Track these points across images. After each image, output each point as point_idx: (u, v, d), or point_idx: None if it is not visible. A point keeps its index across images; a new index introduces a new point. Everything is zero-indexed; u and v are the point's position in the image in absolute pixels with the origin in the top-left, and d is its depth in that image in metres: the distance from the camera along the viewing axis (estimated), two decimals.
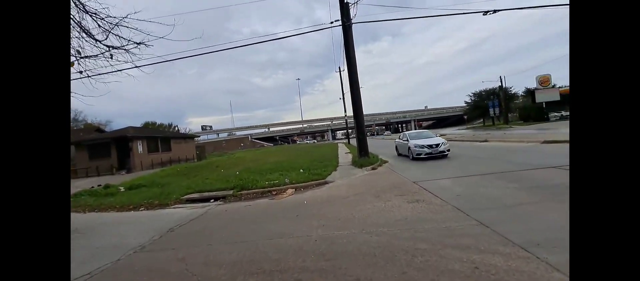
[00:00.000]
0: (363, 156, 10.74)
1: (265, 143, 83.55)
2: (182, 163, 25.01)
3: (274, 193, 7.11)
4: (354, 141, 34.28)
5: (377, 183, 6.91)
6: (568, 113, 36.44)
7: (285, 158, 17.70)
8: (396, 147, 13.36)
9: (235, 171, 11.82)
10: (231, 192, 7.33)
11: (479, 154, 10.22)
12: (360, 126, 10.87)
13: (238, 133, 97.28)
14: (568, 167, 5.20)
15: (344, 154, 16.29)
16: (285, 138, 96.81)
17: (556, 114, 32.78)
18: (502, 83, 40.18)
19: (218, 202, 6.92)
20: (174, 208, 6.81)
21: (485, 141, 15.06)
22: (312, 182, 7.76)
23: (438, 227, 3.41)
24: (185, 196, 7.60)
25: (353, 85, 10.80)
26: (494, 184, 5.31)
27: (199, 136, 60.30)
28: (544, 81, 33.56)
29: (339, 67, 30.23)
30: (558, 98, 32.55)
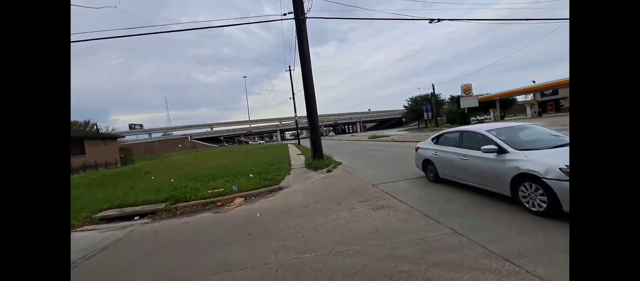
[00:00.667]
0: (317, 158, 10.30)
1: (208, 144, 77.13)
2: (101, 169, 20.90)
3: (218, 204, 6.07)
4: (305, 142, 34.00)
5: (336, 187, 6.51)
6: (482, 118, 43.11)
7: (232, 160, 16.17)
8: (425, 162, 6.13)
9: (170, 178, 10.09)
10: (163, 206, 6.00)
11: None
12: (314, 127, 10.42)
13: (176, 133, 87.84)
14: None
15: (296, 156, 15.67)
16: (231, 139, 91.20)
17: (474, 118, 38.41)
18: (433, 91, 45.25)
19: (145, 220, 5.55)
20: (81, 230, 5.20)
21: None
22: (264, 188, 6.94)
23: (414, 240, 3.09)
24: (100, 214, 5.95)
25: (307, 83, 10.28)
26: (450, 186, 5.41)
27: (124, 137, 51.90)
28: (467, 90, 38.92)
29: (289, 67, 29.50)
30: (477, 105, 38.16)
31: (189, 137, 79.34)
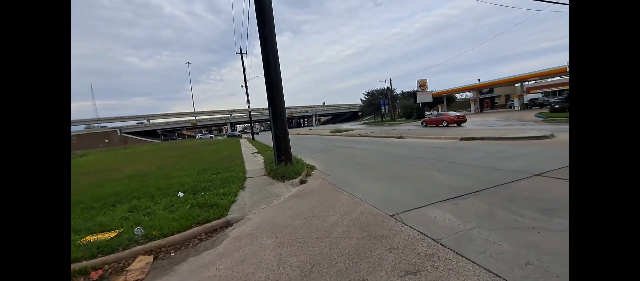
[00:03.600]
0: (283, 162, 7.44)
1: (143, 139, 66.53)
2: None
3: (94, 276, 2.89)
4: (262, 138, 30.24)
5: (328, 220, 3.84)
6: (438, 112, 45.18)
7: (160, 163, 12.13)
8: None
9: None
10: None
11: (419, 154, 8.83)
12: (278, 119, 7.47)
13: (107, 125, 74.13)
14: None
15: (251, 156, 12.43)
16: (172, 132, 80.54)
17: (428, 113, 39.68)
18: (390, 85, 45.62)
19: None
20: None
21: (401, 137, 14.69)
22: (198, 227, 3.89)
23: None
24: None
25: (268, 58, 7.26)
26: (526, 220, 3.21)
27: None
28: (423, 85, 39.87)
29: (240, 49, 25.36)
30: (431, 100, 39.33)
31: (118, 131, 67.36)
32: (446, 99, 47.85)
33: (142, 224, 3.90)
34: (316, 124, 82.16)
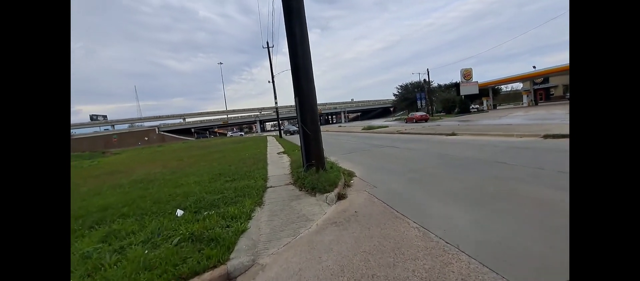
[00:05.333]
0: (314, 167, 5.75)
1: (179, 137, 69.91)
2: None
3: None
4: (291, 137, 29.06)
5: (392, 276, 2.04)
6: (481, 106, 40.57)
7: (177, 163, 11.19)
8: None
9: None
10: None
11: (495, 157, 6.59)
12: (309, 112, 5.75)
13: (146, 124, 79.47)
14: None
15: (276, 157, 10.98)
16: (205, 130, 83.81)
17: (474, 107, 35.52)
18: (428, 77, 41.80)
19: None
20: None
21: (453, 134, 12.23)
22: None
23: None
24: None
25: (294, 34, 5.59)
26: None
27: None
28: (467, 75, 35.73)
29: (267, 43, 24.24)
30: (477, 91, 35.08)
31: (157, 129, 71.47)
32: (492, 91, 42.91)
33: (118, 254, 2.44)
34: (345, 121, 79.89)
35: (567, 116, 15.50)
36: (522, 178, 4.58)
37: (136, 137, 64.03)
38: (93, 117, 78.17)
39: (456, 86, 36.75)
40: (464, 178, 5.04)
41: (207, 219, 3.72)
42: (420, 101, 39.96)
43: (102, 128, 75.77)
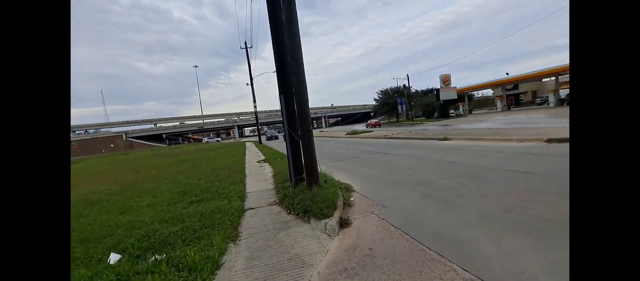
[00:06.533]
0: (303, 181, 4.58)
1: (149, 143, 65.23)
2: None
3: None
4: (272, 143, 27.37)
5: None
6: (457, 111, 41.65)
7: (134, 176, 9.46)
8: None
9: None
10: None
11: (511, 166, 5.81)
12: (300, 111, 4.57)
13: (113, 130, 73.52)
14: None
15: (256, 167, 9.63)
16: (177, 137, 79.09)
17: (452, 112, 36.26)
18: (408, 82, 42.30)
19: None
20: None
21: (446, 139, 11.61)
22: None
23: None
24: None
25: (282, 37, 4.46)
26: None
27: None
28: (446, 80, 36.41)
29: (245, 43, 22.73)
30: (455, 97, 35.82)
31: (124, 135, 66.20)
32: (467, 96, 44.38)
33: None
34: (325, 126, 79.35)
35: (550, 120, 15.66)
36: (562, 192, 3.74)
37: (101, 144, 58.75)
38: None
39: (433, 91, 37.36)
40: (489, 193, 4.12)
41: (156, 274, 2.42)
42: (400, 105, 40.20)
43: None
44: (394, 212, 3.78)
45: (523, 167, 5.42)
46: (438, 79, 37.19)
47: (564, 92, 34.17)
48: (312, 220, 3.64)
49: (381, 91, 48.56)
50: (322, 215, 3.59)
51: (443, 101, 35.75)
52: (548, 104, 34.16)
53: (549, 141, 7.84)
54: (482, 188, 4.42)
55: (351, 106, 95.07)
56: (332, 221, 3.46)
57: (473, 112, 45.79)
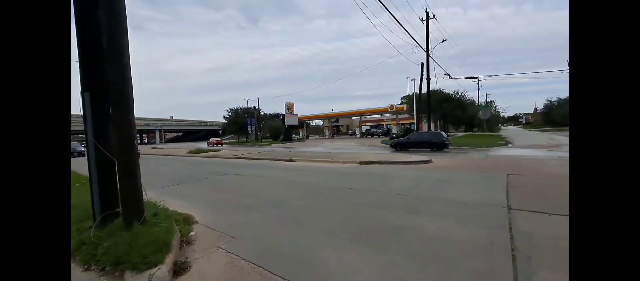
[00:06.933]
0: (118, 218, 3.21)
1: None
2: None
3: None
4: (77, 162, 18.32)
5: None
6: (298, 135, 47.67)
7: None
8: None
9: None
10: None
11: (341, 183, 6.87)
12: (119, 123, 3.20)
13: None
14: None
15: None
16: None
17: (294, 136, 41.08)
18: (258, 104, 43.86)
19: None
20: None
21: (291, 160, 12.55)
22: None
23: None
24: None
25: (91, 9, 3.10)
26: None
27: None
28: (290, 108, 40.82)
29: None
30: (297, 123, 40.88)
31: None
32: (305, 124, 52.26)
33: None
34: (161, 142, 66.15)
35: (358, 146, 20.99)
36: (377, 203, 4.83)
37: None
38: None
39: (280, 116, 41.10)
40: (330, 208, 4.65)
41: None
42: (250, 126, 40.73)
43: None
44: (245, 242, 3.37)
45: (349, 184, 6.66)
46: (283, 106, 41.25)
47: (364, 128, 48.63)
48: (127, 275, 2.53)
49: (231, 109, 47.30)
50: (146, 264, 2.58)
51: (288, 125, 39.77)
52: (356, 135, 46.64)
53: (361, 162, 10.34)
54: (325, 205, 4.94)
55: (197, 121, 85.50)
56: (162, 270, 2.55)
57: (309, 137, 54.23)
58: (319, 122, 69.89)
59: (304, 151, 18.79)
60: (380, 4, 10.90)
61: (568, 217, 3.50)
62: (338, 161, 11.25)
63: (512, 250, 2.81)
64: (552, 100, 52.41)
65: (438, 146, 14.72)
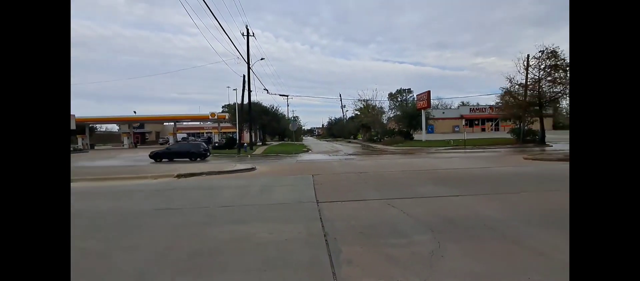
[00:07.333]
0: None
1: None
2: None
3: None
4: None
5: None
6: (77, 145, 33.42)
7: None
8: None
9: None
10: None
11: (147, 206, 5.49)
12: None
13: None
14: None
15: None
16: None
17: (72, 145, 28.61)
18: None
19: None
20: None
21: None
22: None
23: None
24: None
25: None
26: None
27: None
28: None
29: None
30: (74, 126, 28.52)
31: None
32: (88, 129, 38.05)
33: None
34: None
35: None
36: (204, 221, 4.40)
37: None
38: None
39: None
40: (143, 240, 3.65)
41: None
42: None
43: None
44: None
45: (164, 204, 5.58)
46: None
47: (180, 135, 42.68)
48: None
49: None
50: None
51: None
52: (169, 143, 40.02)
53: (179, 176, 9.02)
54: (133, 236, 3.80)
55: None
56: None
57: (96, 147, 39.82)
58: (115, 127, 53.37)
59: (90, 166, 13.46)
60: (204, 4, 10.23)
61: (351, 202, 5.04)
62: (147, 177, 9.11)
63: (325, 235, 3.57)
64: (332, 119, 72.63)
65: (197, 156, 15.17)
